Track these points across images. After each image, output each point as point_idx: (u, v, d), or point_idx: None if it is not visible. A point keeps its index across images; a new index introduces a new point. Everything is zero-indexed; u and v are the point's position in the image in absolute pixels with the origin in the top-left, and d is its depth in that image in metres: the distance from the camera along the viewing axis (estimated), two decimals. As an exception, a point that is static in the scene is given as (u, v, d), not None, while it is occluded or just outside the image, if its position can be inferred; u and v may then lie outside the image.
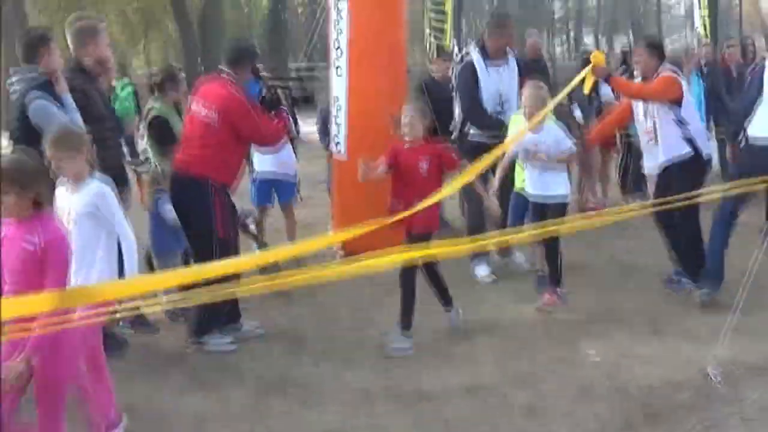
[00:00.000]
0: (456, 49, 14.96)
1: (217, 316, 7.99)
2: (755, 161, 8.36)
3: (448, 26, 15.47)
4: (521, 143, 8.64)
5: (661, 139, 9.00)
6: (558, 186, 8.72)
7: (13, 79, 7.51)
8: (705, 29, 20.28)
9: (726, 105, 13.67)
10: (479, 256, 9.95)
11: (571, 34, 79.40)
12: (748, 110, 8.70)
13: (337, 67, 10.89)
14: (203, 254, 7.96)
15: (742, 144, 8.76)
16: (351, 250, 10.75)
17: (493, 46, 10.01)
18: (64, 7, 34.24)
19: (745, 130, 8.68)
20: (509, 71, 10.06)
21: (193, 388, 7.09)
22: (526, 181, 8.95)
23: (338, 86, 10.90)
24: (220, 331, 8.06)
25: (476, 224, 9.82)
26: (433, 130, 11.99)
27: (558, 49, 76.28)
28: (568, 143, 8.69)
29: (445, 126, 10.44)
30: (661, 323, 8.28)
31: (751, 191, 8.14)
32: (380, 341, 7.90)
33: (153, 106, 9.49)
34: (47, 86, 7.39)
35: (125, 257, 6.12)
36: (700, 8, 20.71)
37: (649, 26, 77.56)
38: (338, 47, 10.86)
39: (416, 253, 7.17)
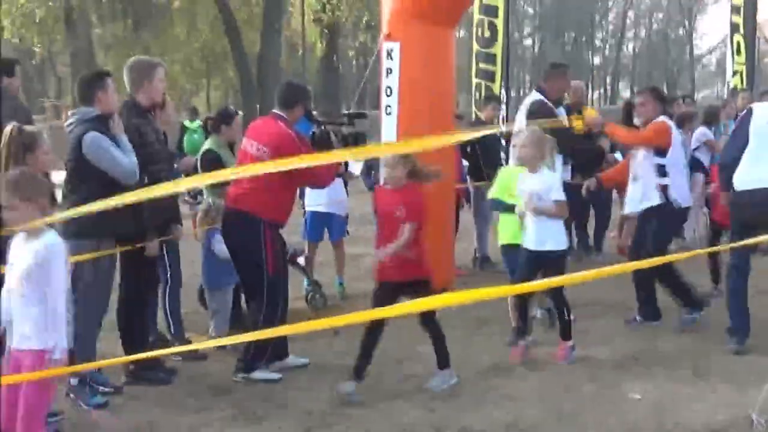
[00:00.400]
0: (504, 95, 14.83)
1: (263, 353, 7.73)
2: (744, 212, 8.05)
3: (498, 70, 15.28)
4: (519, 185, 8.14)
5: (641, 185, 8.93)
6: (553, 240, 7.97)
7: (72, 120, 7.26)
8: (741, 78, 19.87)
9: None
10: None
11: (608, 81, 79.09)
12: (737, 160, 8.18)
13: (387, 106, 10.65)
14: (253, 290, 7.83)
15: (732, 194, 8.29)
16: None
17: (552, 90, 9.88)
18: (132, 52, 34.24)
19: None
20: (562, 115, 9.97)
21: (239, 420, 6.78)
22: (526, 233, 8.15)
23: (388, 124, 10.65)
24: (267, 367, 7.80)
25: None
26: (479, 173, 11.87)
27: (595, 95, 76.01)
28: (555, 194, 7.95)
29: (493, 168, 10.24)
30: (702, 363, 7.88)
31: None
32: (425, 376, 7.54)
33: (208, 143, 9.32)
34: (102, 124, 7.15)
35: (52, 326, 5.30)
36: (734, 57, 20.29)
37: (683, 79, 77.27)
38: (388, 86, 10.63)
39: (462, 297, 6.71)
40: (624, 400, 7.07)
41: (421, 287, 7.01)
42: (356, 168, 11.79)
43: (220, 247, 8.35)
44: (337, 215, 10.69)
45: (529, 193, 7.93)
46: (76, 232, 6.87)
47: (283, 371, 7.83)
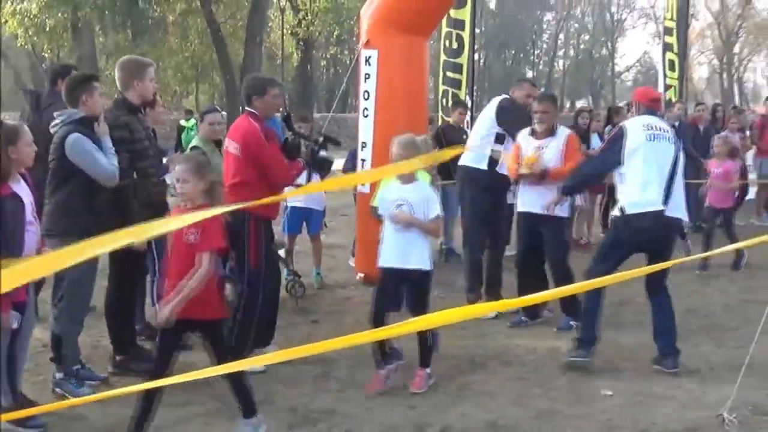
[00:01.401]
0: (470, 102, 14.18)
1: (246, 343, 6.85)
2: (634, 236, 6.79)
3: (464, 78, 14.62)
4: (384, 198, 6.48)
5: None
6: (418, 257, 6.25)
7: (57, 120, 6.27)
8: (675, 91, 19.30)
9: (693, 157, 12.60)
10: (479, 299, 8.72)
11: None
12: (596, 176, 7.33)
13: (364, 109, 9.81)
14: (239, 281, 6.95)
15: (618, 214, 6.89)
16: (371, 278, 9.71)
17: (520, 98, 8.86)
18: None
19: (616, 201, 7.03)
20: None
21: (222, 415, 5.84)
22: (383, 247, 6.42)
23: (365, 126, 9.80)
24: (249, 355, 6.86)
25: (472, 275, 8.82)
26: (445, 170, 11.01)
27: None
28: (436, 209, 6.26)
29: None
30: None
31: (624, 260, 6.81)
32: (404, 373, 6.59)
33: (194, 141, 8.45)
34: (86, 126, 6.17)
35: None
36: (666, 73, 19.69)
37: (605, 91, 77.50)
38: (366, 90, 9.79)
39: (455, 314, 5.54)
40: (597, 397, 6.19)
41: (208, 330, 5.35)
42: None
43: None
44: (316, 210, 9.83)
45: (396, 203, 6.29)
46: (61, 231, 5.98)
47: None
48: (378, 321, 6.22)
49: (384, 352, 6.37)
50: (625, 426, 5.66)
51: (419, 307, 6.25)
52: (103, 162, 6.04)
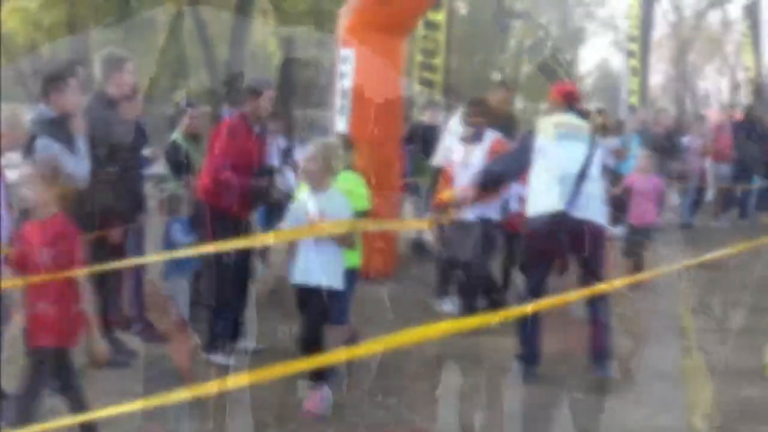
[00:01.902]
0: (444, 101, 13.93)
1: (219, 336, 6.54)
2: (539, 239, 6.07)
3: (439, 79, 14.28)
4: (294, 208, 5.58)
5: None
6: (325, 273, 5.35)
7: (30, 117, 5.77)
8: (636, 96, 18.97)
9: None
10: (446, 294, 8.29)
11: (508, 96, 78.98)
12: (507, 174, 6.46)
13: (340, 107, 9.43)
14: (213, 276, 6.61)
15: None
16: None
17: (494, 101, 8.54)
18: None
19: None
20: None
21: (193, 412, 5.37)
22: (297, 261, 5.49)
23: (341, 123, 9.38)
24: (222, 349, 6.53)
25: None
26: (422, 170, 10.61)
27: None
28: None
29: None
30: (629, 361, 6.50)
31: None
32: (377, 365, 6.18)
33: (174, 135, 8.01)
34: (57, 125, 5.68)
35: None
36: (629, 79, 19.37)
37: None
38: (342, 89, 9.39)
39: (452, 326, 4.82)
40: (567, 400, 5.75)
41: (59, 358, 4.48)
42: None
43: (178, 237, 7.14)
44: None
45: (309, 215, 5.36)
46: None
47: (240, 357, 6.48)
48: (309, 344, 5.44)
49: (320, 372, 5.44)
50: (596, 430, 5.27)
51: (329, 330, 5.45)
52: (71, 166, 5.54)
